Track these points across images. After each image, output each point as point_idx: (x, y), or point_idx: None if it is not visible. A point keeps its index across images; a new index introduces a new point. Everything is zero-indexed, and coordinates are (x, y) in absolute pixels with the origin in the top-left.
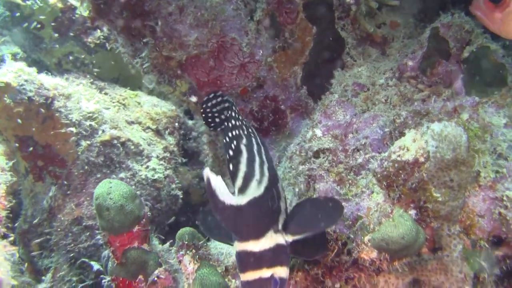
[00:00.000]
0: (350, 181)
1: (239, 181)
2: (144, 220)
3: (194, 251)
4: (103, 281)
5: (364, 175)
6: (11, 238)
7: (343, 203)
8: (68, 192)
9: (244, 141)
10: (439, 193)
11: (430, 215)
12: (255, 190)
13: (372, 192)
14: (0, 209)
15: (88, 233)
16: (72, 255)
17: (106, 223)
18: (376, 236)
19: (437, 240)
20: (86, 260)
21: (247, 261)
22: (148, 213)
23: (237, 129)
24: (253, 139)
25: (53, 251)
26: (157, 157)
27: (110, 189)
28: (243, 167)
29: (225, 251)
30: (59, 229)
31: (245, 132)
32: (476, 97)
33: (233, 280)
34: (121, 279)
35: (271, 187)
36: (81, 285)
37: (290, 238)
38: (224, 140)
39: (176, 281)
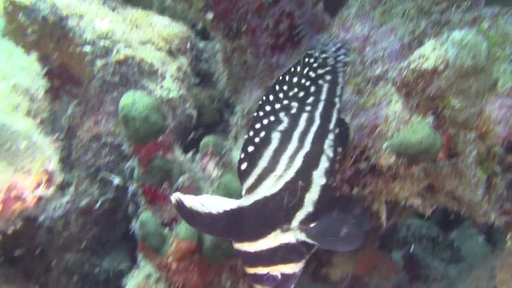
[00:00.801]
0: (368, 91)
1: (250, 180)
2: (167, 130)
3: (218, 158)
4: (129, 188)
5: (383, 85)
6: None
7: (361, 112)
8: (86, 110)
9: (282, 126)
10: (457, 100)
11: (447, 122)
12: (268, 188)
13: (391, 101)
14: (42, 110)
15: (107, 150)
16: (92, 170)
17: (132, 133)
18: (395, 142)
19: (453, 147)
20: (106, 175)
21: (242, 258)
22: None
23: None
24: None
25: (73, 167)
26: (171, 76)
27: (134, 100)
28: (262, 163)
29: None
30: (78, 146)
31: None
32: (496, 8)
33: None
34: (147, 186)
35: (297, 179)
36: (102, 198)
37: (303, 238)
38: (247, 135)
39: (199, 188)
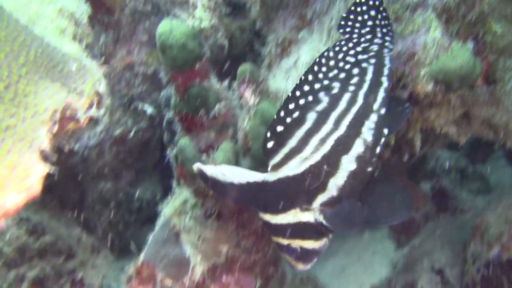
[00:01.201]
0: (406, 18)
1: (277, 158)
2: (204, 58)
3: (254, 86)
4: (166, 115)
5: (421, 12)
6: None
7: (399, 40)
8: (118, 40)
9: (320, 106)
10: (498, 25)
11: (487, 48)
12: (293, 168)
13: (430, 28)
14: (86, 35)
15: (140, 79)
16: (125, 100)
17: (169, 61)
18: (433, 68)
19: (492, 73)
20: (140, 104)
21: (266, 226)
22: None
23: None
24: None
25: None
26: (203, 6)
27: (172, 28)
28: (291, 143)
29: (283, 87)
30: (112, 75)
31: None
32: None
33: None
34: (183, 114)
35: (322, 163)
36: (135, 127)
37: (321, 219)
38: (276, 115)
39: (235, 116)
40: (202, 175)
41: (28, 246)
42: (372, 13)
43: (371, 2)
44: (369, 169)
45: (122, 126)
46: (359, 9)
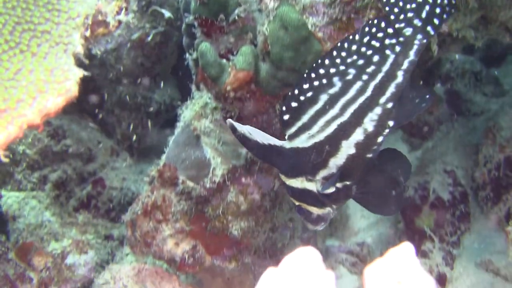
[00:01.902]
0: None
1: (292, 129)
2: None
3: None
4: (186, 19)
5: None
6: None
7: None
8: None
9: (332, 90)
10: None
11: None
12: (302, 142)
13: None
14: None
15: None
16: (143, 3)
17: None
18: None
19: None
20: (157, 8)
21: (283, 184)
22: None
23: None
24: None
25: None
26: None
27: None
28: (304, 119)
29: None
30: None
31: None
32: None
33: (310, 18)
34: (203, 18)
35: (325, 143)
36: (153, 31)
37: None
38: (291, 92)
39: (254, 20)
40: (232, 129)
41: (50, 149)
42: None
43: None
44: (369, 155)
45: (140, 30)
46: None
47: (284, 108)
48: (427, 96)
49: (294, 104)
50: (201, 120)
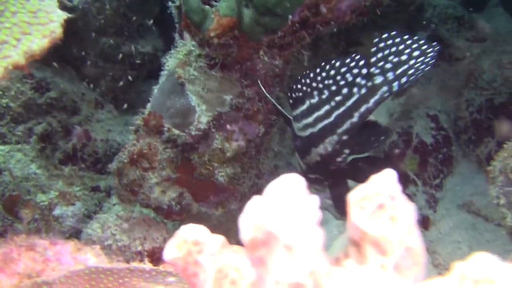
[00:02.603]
0: None
1: (296, 112)
2: None
3: None
4: None
5: None
6: None
7: None
8: None
9: (312, 100)
10: None
11: None
12: (299, 130)
13: None
14: None
15: None
16: None
17: None
18: None
19: None
20: None
21: None
22: None
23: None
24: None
25: None
26: None
27: None
28: (297, 111)
29: None
30: None
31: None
32: None
33: None
34: None
35: (307, 140)
36: None
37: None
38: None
39: None
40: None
41: (34, 101)
42: (404, 51)
43: (407, 49)
44: (333, 164)
45: None
46: (393, 41)
47: (289, 94)
48: (382, 138)
49: (293, 96)
50: (185, 67)
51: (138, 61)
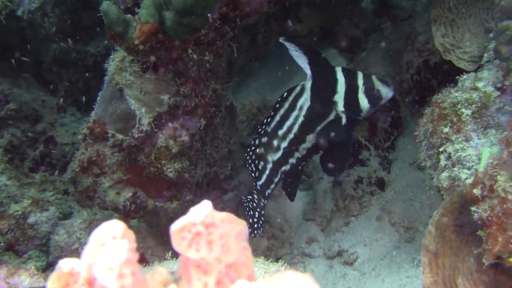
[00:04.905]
0: None
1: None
2: None
3: None
4: None
5: None
6: None
7: None
8: None
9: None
10: None
11: None
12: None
13: None
14: None
15: None
16: None
17: None
18: None
19: None
20: None
21: None
22: None
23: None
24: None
25: None
26: None
27: None
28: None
29: None
30: None
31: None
32: None
33: None
34: None
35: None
36: None
37: None
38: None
39: None
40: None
41: None
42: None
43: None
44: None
45: None
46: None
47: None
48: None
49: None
50: (121, 73)
51: (91, 63)
